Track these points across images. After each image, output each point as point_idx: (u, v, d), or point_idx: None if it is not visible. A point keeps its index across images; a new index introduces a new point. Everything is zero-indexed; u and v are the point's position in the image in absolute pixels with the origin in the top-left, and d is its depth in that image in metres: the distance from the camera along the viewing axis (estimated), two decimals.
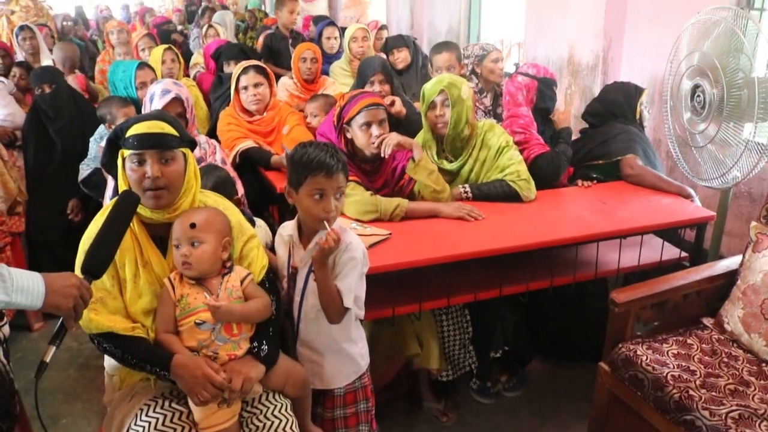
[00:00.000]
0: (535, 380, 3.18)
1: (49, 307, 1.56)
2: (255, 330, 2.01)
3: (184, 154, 1.98)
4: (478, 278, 2.66)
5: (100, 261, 1.73)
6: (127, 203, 1.83)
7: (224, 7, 10.09)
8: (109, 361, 2.11)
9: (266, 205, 3.51)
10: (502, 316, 2.94)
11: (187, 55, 6.33)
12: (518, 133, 3.17)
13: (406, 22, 7.52)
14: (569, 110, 3.94)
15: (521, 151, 3.05)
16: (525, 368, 3.19)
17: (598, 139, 3.32)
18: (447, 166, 2.99)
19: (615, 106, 3.40)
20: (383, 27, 5.95)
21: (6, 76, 4.90)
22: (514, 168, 2.91)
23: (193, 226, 1.92)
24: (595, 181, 3.21)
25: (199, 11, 8.26)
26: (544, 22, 5.15)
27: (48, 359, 1.63)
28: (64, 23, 7.88)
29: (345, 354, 2.21)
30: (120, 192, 1.89)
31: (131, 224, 1.93)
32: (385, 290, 2.48)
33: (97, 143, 3.54)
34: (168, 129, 1.92)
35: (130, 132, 1.91)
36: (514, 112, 3.27)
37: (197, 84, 4.89)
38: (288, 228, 2.20)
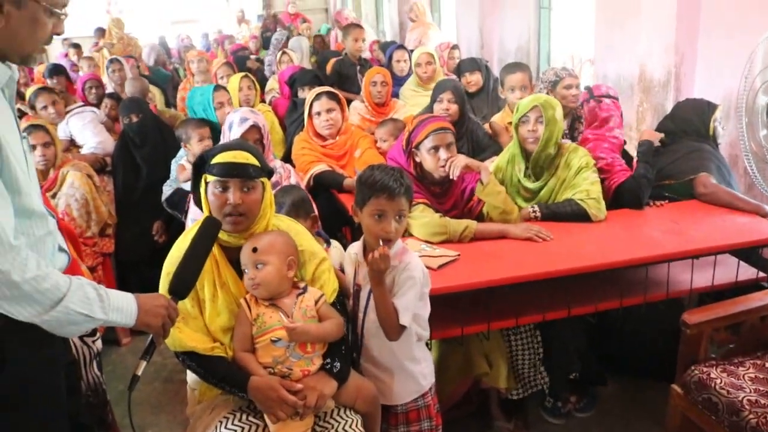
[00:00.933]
0: (606, 400, 3.15)
1: (140, 325, 1.70)
2: (328, 347, 2.11)
3: (263, 183, 2.11)
4: (546, 298, 2.68)
5: (184, 283, 1.87)
6: (209, 229, 1.96)
7: (298, 33, 10.41)
8: (191, 376, 2.26)
9: (339, 226, 3.63)
10: (574, 336, 2.94)
11: (263, 80, 6.57)
12: (602, 159, 3.16)
13: (475, 41, 7.56)
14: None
15: (604, 179, 3.06)
16: (596, 388, 3.16)
17: (670, 158, 3.29)
18: (529, 184, 3.03)
19: (687, 124, 3.36)
20: (455, 47, 6.04)
21: (98, 106, 5.23)
22: (585, 187, 2.93)
23: (255, 250, 2.04)
24: (667, 201, 3.18)
25: (274, 37, 8.53)
26: (614, 39, 5.11)
27: (139, 373, 1.78)
28: (156, 55, 8.27)
29: (407, 372, 2.26)
30: (203, 218, 2.03)
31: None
32: (453, 310, 2.54)
33: (177, 161, 3.74)
34: (251, 159, 2.06)
35: (216, 160, 2.05)
36: (601, 135, 3.26)
37: (273, 109, 5.07)
38: (355, 247, 2.30)
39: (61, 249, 1.80)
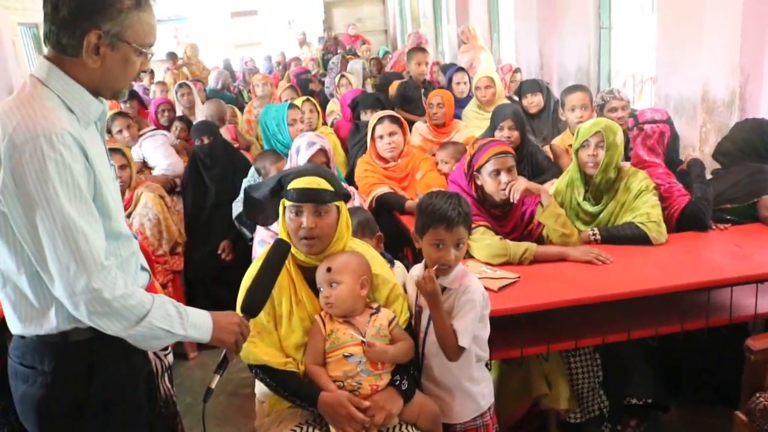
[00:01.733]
0: (667, 426, 3.12)
1: (215, 341, 1.80)
2: (396, 365, 2.20)
3: (338, 207, 2.22)
4: (606, 321, 2.69)
5: (256, 302, 1.98)
6: (279, 251, 2.07)
7: (356, 55, 10.60)
8: (259, 388, 2.37)
9: (401, 247, 3.71)
10: (634, 360, 2.94)
11: (324, 102, 6.75)
12: (660, 185, 3.15)
13: (535, 62, 7.57)
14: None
15: (665, 208, 3.06)
16: (657, 413, 3.14)
17: (731, 180, 3.24)
18: (589, 208, 3.07)
19: (747, 145, 3.31)
20: (517, 70, 6.11)
21: (169, 128, 5.47)
22: (645, 210, 2.94)
23: (329, 270, 2.16)
24: (730, 224, 3.15)
25: (331, 62, 8.74)
26: (676, 58, 5.06)
27: (213, 386, 1.89)
28: (223, 80, 8.56)
29: (466, 392, 2.32)
30: (275, 240, 2.14)
31: (288, 266, 2.21)
32: (513, 331, 2.58)
33: (249, 184, 3.89)
34: (324, 185, 2.17)
35: (291, 185, 2.18)
36: (651, 162, 3.26)
37: (334, 131, 5.22)
38: (417, 269, 2.39)
39: (143, 268, 1.93)
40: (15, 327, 1.71)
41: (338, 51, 11.73)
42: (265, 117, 4.05)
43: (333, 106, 6.15)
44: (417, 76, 5.86)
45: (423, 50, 6.14)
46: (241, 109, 7.86)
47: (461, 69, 6.01)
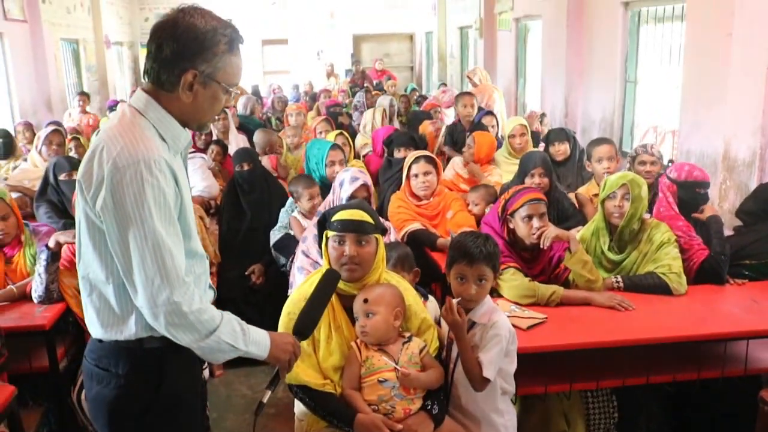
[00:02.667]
0: None
1: (270, 358, 1.95)
2: (428, 391, 2.37)
3: (377, 239, 2.41)
4: (626, 364, 2.84)
5: (308, 325, 2.13)
6: (330, 280, 2.24)
7: (382, 90, 10.85)
8: (299, 407, 2.54)
9: (430, 282, 3.82)
10: (650, 404, 3.07)
11: (353, 135, 6.94)
12: (680, 237, 3.26)
13: (560, 109, 7.76)
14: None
15: (684, 260, 3.17)
16: None
17: (752, 238, 3.38)
18: (613, 256, 3.21)
19: None
20: (543, 115, 6.30)
21: (205, 151, 5.68)
22: (667, 261, 3.08)
23: (365, 301, 2.34)
24: (747, 280, 3.27)
25: (356, 98, 8.96)
26: (700, 115, 5.20)
27: (266, 401, 2.02)
28: (251, 105, 8.80)
29: (491, 423, 2.46)
30: (325, 270, 2.32)
31: None
32: (538, 368, 2.73)
33: (287, 213, 4.08)
34: (365, 217, 2.38)
35: (335, 217, 2.39)
36: (672, 214, 3.39)
37: (365, 165, 5.40)
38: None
39: (210, 286, 2.11)
40: (96, 331, 1.87)
41: (365, 85, 11.98)
42: (310, 150, 4.26)
43: (364, 139, 6.35)
44: (464, 118, 6.05)
45: (470, 94, 6.38)
46: None
47: (490, 113, 6.23)
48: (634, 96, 6.68)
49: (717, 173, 4.94)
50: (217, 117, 6.47)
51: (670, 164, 4.54)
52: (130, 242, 1.70)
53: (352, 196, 3.33)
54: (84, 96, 9.48)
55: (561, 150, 4.72)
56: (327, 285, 2.22)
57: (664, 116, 6.20)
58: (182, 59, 1.78)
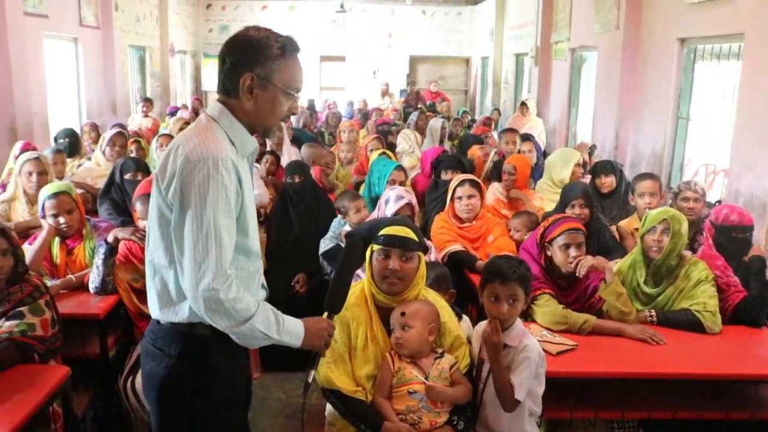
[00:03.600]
0: None
1: (305, 345, 2.06)
2: (455, 406, 2.46)
3: (419, 256, 2.52)
4: (654, 398, 2.87)
5: (338, 300, 2.21)
6: (352, 250, 2.28)
7: (436, 111, 10.99)
8: (330, 411, 2.65)
9: (466, 303, 3.87)
10: None
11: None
12: (718, 277, 3.25)
13: (610, 141, 7.76)
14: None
15: (720, 300, 3.17)
16: None
17: None
18: (648, 290, 3.24)
19: None
20: (593, 147, 6.34)
21: (259, 161, 5.87)
22: (702, 299, 3.09)
23: (402, 314, 2.45)
24: None
25: (410, 118, 9.08)
26: (752, 156, 5.17)
27: (310, 380, 2.15)
28: (304, 119, 9.04)
29: None
30: (346, 243, 2.39)
31: (367, 305, 2.50)
32: (566, 394, 2.78)
33: (340, 224, 4.21)
34: (411, 234, 2.50)
35: (382, 232, 2.51)
36: (711, 253, 3.39)
37: (412, 185, 5.52)
38: (482, 325, 2.63)
39: (262, 286, 2.23)
40: (155, 312, 2.06)
41: (419, 105, 12.13)
42: (375, 165, 4.40)
43: (413, 161, 6.48)
44: (508, 154, 6.10)
45: (514, 131, 6.49)
46: None
47: (528, 138, 6.32)
48: (686, 132, 6.65)
49: (766, 215, 4.91)
50: None
51: (717, 204, 4.55)
52: (186, 227, 1.87)
53: (396, 214, 3.44)
54: (148, 102, 9.86)
55: (607, 182, 4.75)
56: (350, 256, 2.27)
57: (716, 155, 6.15)
58: (240, 65, 1.98)
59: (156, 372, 2.05)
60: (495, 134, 8.33)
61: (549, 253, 3.16)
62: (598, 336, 2.99)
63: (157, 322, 2.07)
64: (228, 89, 2.01)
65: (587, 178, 5.11)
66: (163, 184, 1.93)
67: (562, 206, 4.02)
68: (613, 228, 4.22)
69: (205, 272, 1.84)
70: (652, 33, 7.12)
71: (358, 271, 3.44)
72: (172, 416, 2.08)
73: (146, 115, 9.57)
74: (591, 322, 3.00)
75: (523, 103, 9.85)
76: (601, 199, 4.70)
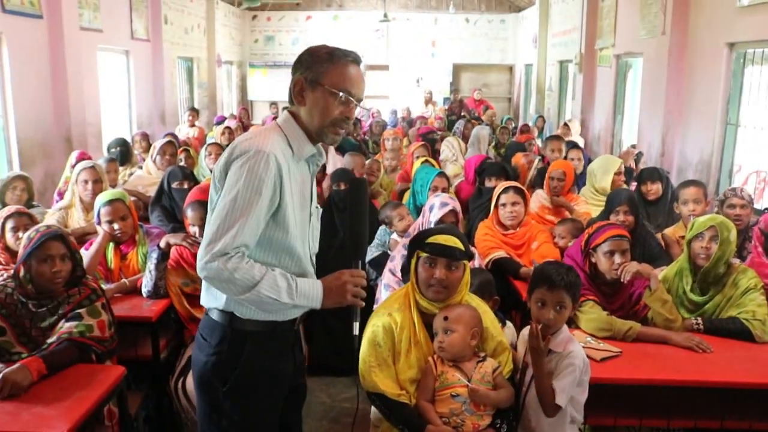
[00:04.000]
0: None
1: (330, 305, 2.12)
2: (497, 409, 2.48)
3: (464, 265, 2.55)
4: (701, 407, 2.84)
5: (360, 247, 2.24)
6: (357, 189, 2.28)
7: (479, 120, 10.99)
8: (375, 414, 2.70)
9: (509, 309, 3.90)
10: None
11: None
12: (767, 285, 3.22)
13: (656, 148, 7.65)
14: None
15: None
16: None
17: None
18: (695, 297, 3.20)
19: None
20: (639, 154, 6.27)
21: None
22: (751, 308, 3.05)
23: (445, 318, 2.49)
24: None
25: (456, 126, 9.10)
26: None
27: (356, 332, 2.19)
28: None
29: None
30: (350, 183, 2.40)
31: (411, 311, 2.55)
32: (609, 400, 2.78)
33: (386, 232, 4.27)
34: (457, 243, 2.53)
35: (429, 240, 2.54)
36: (761, 261, 3.36)
37: (456, 192, 5.54)
38: (528, 330, 2.63)
39: None
40: (203, 300, 2.21)
41: (462, 114, 12.15)
42: (418, 173, 4.46)
43: (456, 169, 6.50)
44: (553, 161, 6.10)
45: (560, 138, 6.47)
46: (364, 156, 8.38)
47: (576, 146, 6.27)
48: (735, 139, 6.52)
49: None
50: None
51: (766, 211, 4.47)
52: (217, 206, 2.03)
53: (440, 221, 3.48)
54: (194, 111, 10.10)
55: (653, 190, 4.70)
56: (358, 196, 2.27)
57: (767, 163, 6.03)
58: (295, 72, 2.14)
59: (198, 359, 2.20)
60: (539, 141, 8.32)
61: (593, 260, 3.16)
62: (643, 343, 2.97)
63: (207, 313, 2.21)
64: (290, 97, 2.17)
65: (633, 186, 5.07)
66: (217, 178, 2.09)
67: (606, 213, 4.01)
68: (659, 236, 4.18)
69: (213, 243, 1.95)
70: (699, 38, 7.01)
71: (395, 271, 3.50)
72: (211, 404, 2.19)
73: (192, 125, 9.79)
74: (636, 329, 2.99)
75: (566, 124, 9.80)
76: (647, 206, 4.66)
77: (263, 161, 1.98)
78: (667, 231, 4.20)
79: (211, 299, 2.16)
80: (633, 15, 8.66)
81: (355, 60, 2.14)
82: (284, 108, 2.25)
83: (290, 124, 2.15)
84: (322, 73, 2.09)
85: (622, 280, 3.05)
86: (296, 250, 2.14)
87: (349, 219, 2.28)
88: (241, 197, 1.97)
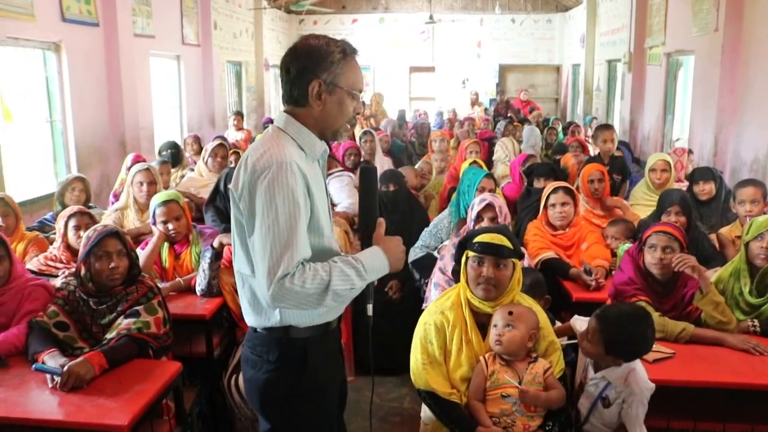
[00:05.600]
0: None
1: (392, 270, 2.10)
2: (549, 410, 2.48)
3: (514, 263, 2.56)
4: (758, 411, 2.79)
5: (372, 221, 2.17)
6: (368, 176, 2.24)
7: (524, 121, 10.90)
8: (425, 412, 2.72)
9: (559, 309, 3.86)
10: None
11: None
12: None
13: (709, 148, 7.49)
14: None
15: None
16: None
17: None
18: (752, 299, 3.13)
19: None
20: (690, 152, 6.15)
21: (353, 170, 6.01)
22: None
23: (510, 313, 2.49)
24: None
25: (497, 128, 9.05)
26: None
27: (370, 313, 2.20)
28: (392, 128, 9.19)
29: None
30: (360, 171, 2.35)
31: (462, 309, 2.56)
32: (663, 403, 2.73)
33: (430, 234, 4.28)
34: (505, 242, 2.53)
35: (477, 239, 2.56)
36: None
37: (503, 193, 5.52)
38: (578, 319, 2.68)
39: None
40: (250, 320, 2.15)
41: (508, 114, 12.07)
42: (464, 175, 4.47)
43: (504, 170, 6.48)
44: (604, 153, 6.02)
45: (610, 128, 6.33)
46: (410, 158, 8.43)
47: (625, 145, 6.16)
48: None
49: None
50: (365, 140, 6.83)
51: None
52: (257, 232, 1.93)
53: (479, 216, 3.50)
54: (239, 116, 10.21)
55: (705, 189, 4.61)
56: (366, 182, 2.24)
57: None
58: (306, 73, 2.04)
59: (256, 378, 2.14)
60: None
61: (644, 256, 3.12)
62: (696, 345, 2.93)
63: (254, 329, 2.16)
64: (296, 98, 2.07)
65: (684, 185, 4.98)
66: (237, 195, 2.00)
67: (658, 214, 3.95)
68: (713, 237, 4.10)
69: (275, 274, 1.88)
70: (754, 34, 6.84)
71: (445, 270, 3.52)
72: (278, 419, 2.17)
73: (239, 128, 9.94)
74: (689, 330, 2.95)
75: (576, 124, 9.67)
76: (700, 206, 4.56)
77: (289, 172, 1.93)
78: (723, 231, 4.11)
79: (262, 319, 2.10)
80: (684, 12, 8.49)
81: (356, 52, 2.13)
82: (285, 111, 2.13)
83: (294, 126, 2.08)
84: (339, 74, 2.05)
85: (675, 268, 2.97)
86: (333, 250, 2.14)
87: (362, 201, 2.24)
88: (282, 215, 1.91)
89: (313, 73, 2.03)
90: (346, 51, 2.08)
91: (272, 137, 2.06)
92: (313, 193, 2.02)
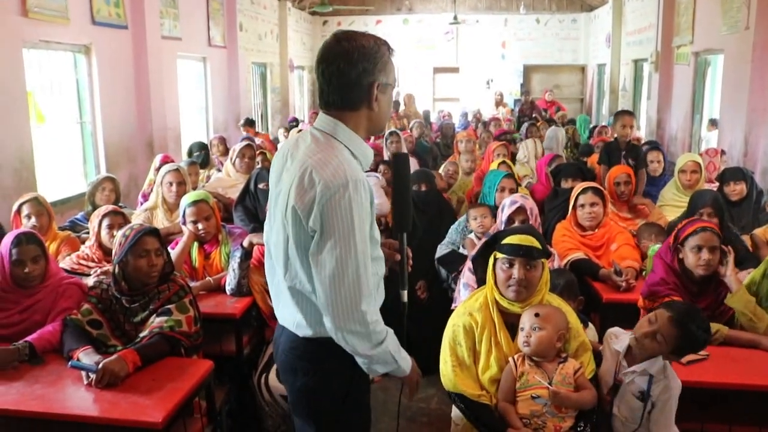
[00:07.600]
0: None
1: (410, 375, 2.16)
2: (580, 411, 2.45)
3: (543, 263, 2.54)
4: None
5: (405, 218, 2.18)
6: (399, 168, 2.24)
7: (549, 120, 10.84)
8: (455, 412, 2.72)
9: (588, 312, 3.84)
10: None
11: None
12: None
13: (739, 148, 7.39)
14: None
15: None
16: None
17: None
18: None
19: None
20: (723, 152, 6.07)
21: (375, 170, 6.02)
22: None
23: (537, 315, 2.47)
24: None
25: (522, 127, 9.00)
26: None
27: (405, 300, 2.27)
28: (419, 130, 9.19)
29: None
30: (392, 158, 2.35)
31: (491, 311, 2.55)
32: (697, 406, 2.72)
33: (456, 231, 4.28)
34: (534, 243, 2.52)
35: (506, 240, 2.54)
36: None
37: (530, 193, 5.49)
38: (619, 344, 2.56)
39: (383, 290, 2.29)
40: (303, 330, 2.08)
41: (533, 115, 12.01)
42: (488, 177, 4.46)
43: (526, 170, 6.45)
44: (621, 137, 5.88)
45: (630, 113, 6.20)
46: (435, 159, 8.42)
47: (657, 147, 6.08)
48: None
49: None
50: (391, 140, 6.84)
51: None
52: (329, 252, 1.87)
53: (510, 219, 3.48)
54: (248, 126, 9.91)
55: (737, 190, 4.54)
56: (398, 176, 2.24)
57: None
58: (367, 76, 1.98)
59: (308, 386, 2.10)
60: None
61: (681, 256, 3.06)
62: (730, 347, 2.88)
63: (305, 338, 2.09)
64: (350, 101, 2.00)
65: (714, 186, 4.91)
66: (302, 212, 1.91)
67: (689, 215, 3.89)
68: (745, 237, 4.04)
69: (354, 296, 1.87)
70: None
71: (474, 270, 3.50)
72: (330, 424, 2.14)
73: (255, 134, 9.76)
74: (723, 332, 2.91)
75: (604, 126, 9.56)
76: (731, 207, 4.50)
77: (362, 190, 1.89)
78: (757, 231, 4.05)
79: (321, 328, 2.01)
80: (713, 10, 8.38)
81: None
82: (329, 114, 2.03)
83: (345, 133, 2.00)
84: (390, 72, 2.04)
85: (721, 274, 2.96)
86: (380, 254, 2.14)
87: (394, 193, 2.22)
88: (361, 238, 1.88)
89: (374, 75, 1.99)
90: (391, 50, 2.06)
91: (331, 147, 1.97)
92: (373, 207, 2.00)
